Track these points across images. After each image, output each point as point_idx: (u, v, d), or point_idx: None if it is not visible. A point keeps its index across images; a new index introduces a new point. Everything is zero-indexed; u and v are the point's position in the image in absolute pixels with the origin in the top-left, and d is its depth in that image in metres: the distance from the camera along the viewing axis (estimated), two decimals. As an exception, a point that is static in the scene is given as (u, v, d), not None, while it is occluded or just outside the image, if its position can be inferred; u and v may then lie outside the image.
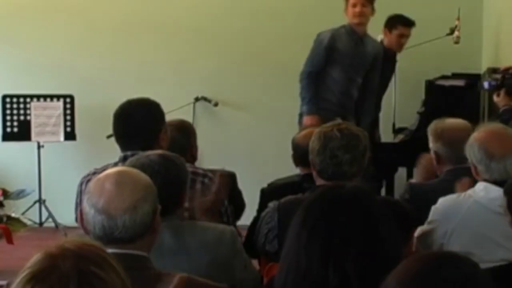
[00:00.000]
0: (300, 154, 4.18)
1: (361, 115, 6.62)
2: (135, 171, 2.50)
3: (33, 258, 1.64)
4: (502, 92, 5.24)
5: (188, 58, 7.30)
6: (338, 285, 2.27)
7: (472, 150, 3.47)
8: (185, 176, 3.06)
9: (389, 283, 1.81)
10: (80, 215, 2.36)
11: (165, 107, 3.97)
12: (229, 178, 4.82)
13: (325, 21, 6.77)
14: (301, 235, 2.37)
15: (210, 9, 7.51)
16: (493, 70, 5.43)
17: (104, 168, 3.28)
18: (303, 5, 7.48)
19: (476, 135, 3.51)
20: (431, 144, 4.10)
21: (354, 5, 6.43)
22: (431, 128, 4.13)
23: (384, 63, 6.65)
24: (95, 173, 2.86)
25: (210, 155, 6.55)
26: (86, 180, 3.64)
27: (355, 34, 6.53)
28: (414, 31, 7.34)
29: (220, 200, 3.88)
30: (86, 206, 2.31)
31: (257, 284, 2.95)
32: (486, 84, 5.30)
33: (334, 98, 6.56)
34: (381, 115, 7.05)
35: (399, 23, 6.71)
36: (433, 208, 3.51)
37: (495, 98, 5.32)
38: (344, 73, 6.53)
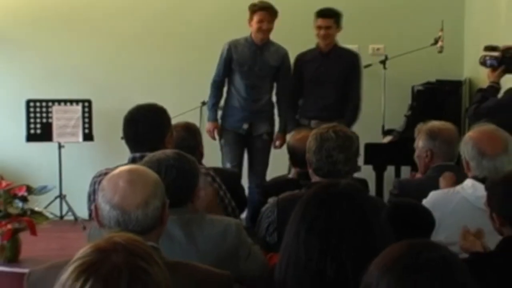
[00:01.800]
0: (296, 156, 4.18)
1: (279, 117, 6.70)
2: (145, 169, 2.49)
3: (82, 251, 1.61)
4: (499, 69, 5.19)
5: (195, 66, 7.30)
6: (335, 275, 2.27)
7: (466, 148, 3.52)
8: (197, 172, 3.06)
9: (371, 271, 1.80)
10: (95, 211, 2.35)
11: (174, 111, 3.97)
12: (232, 176, 4.82)
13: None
14: (300, 230, 2.37)
15: (215, 19, 7.49)
16: (491, 48, 5.38)
17: (115, 169, 3.28)
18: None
19: (471, 134, 3.58)
20: (422, 143, 4.11)
21: (260, 21, 6.41)
22: (424, 129, 4.14)
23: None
24: (106, 173, 2.86)
25: (216, 156, 6.55)
26: (99, 180, 3.63)
27: (254, 45, 6.52)
28: (401, 41, 7.35)
29: (216, 196, 3.87)
30: (102, 203, 2.30)
31: (264, 271, 2.92)
32: (488, 62, 5.23)
33: (238, 103, 6.60)
34: (372, 117, 7.04)
35: (316, 15, 6.56)
36: (424, 201, 3.53)
37: (489, 72, 5.27)
38: (245, 80, 6.55)
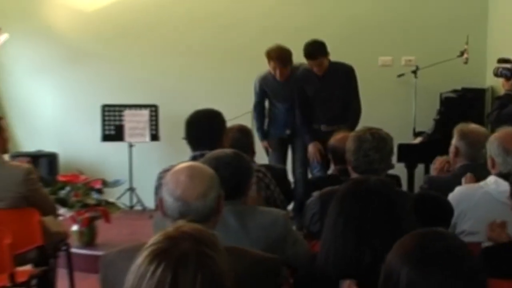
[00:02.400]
0: (337, 154, 4.16)
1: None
2: (201, 165, 2.49)
3: (154, 238, 1.62)
4: None
5: (249, 75, 7.27)
6: (370, 261, 2.25)
7: (492, 146, 3.52)
8: (251, 171, 3.06)
9: (391, 258, 1.77)
10: (159, 202, 2.36)
11: (229, 114, 3.98)
12: (280, 172, 4.80)
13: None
14: (337, 223, 2.37)
15: (267, 35, 7.48)
16: (504, 60, 5.31)
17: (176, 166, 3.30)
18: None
19: (497, 134, 3.60)
20: (453, 140, 4.09)
21: (274, 68, 6.39)
22: (458, 129, 4.12)
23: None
24: (169, 169, 2.86)
25: (261, 152, 6.55)
26: (163, 176, 3.64)
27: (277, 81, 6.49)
28: (431, 53, 7.26)
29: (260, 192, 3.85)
30: (165, 195, 2.31)
31: (308, 257, 2.91)
32: (502, 73, 5.18)
33: (280, 116, 6.67)
34: (404, 120, 6.98)
35: (304, 56, 6.30)
36: (451, 194, 3.51)
37: (503, 82, 5.24)
38: (281, 104, 6.61)
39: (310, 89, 6.37)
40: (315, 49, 6.17)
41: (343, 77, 6.33)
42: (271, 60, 6.37)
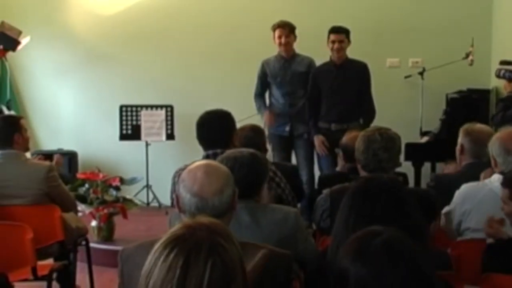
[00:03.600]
0: (348, 152, 4.15)
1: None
2: (217, 163, 2.50)
3: (175, 227, 1.65)
4: None
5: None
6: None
7: (494, 146, 3.51)
8: (266, 172, 3.08)
9: (340, 257, 1.84)
10: (176, 199, 2.36)
11: (240, 115, 3.99)
12: (291, 170, 4.80)
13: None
14: (349, 218, 2.39)
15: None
16: (506, 62, 5.29)
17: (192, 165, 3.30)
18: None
19: (498, 134, 3.58)
20: (459, 139, 4.08)
21: (279, 37, 6.52)
22: (463, 127, 4.12)
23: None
24: (184, 168, 2.87)
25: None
26: (178, 174, 3.64)
27: (282, 58, 6.61)
28: (437, 55, 7.24)
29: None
30: (182, 192, 2.31)
31: (317, 253, 2.92)
32: (505, 74, 5.17)
33: (278, 111, 6.67)
34: (411, 120, 6.96)
35: (329, 32, 6.49)
36: (456, 192, 3.50)
37: (505, 84, 5.23)
38: (280, 90, 6.64)
39: (325, 80, 6.42)
40: (341, 26, 6.43)
41: (360, 71, 6.44)
42: (276, 30, 6.54)
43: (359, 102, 6.41)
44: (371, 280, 1.74)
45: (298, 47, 6.66)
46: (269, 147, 6.53)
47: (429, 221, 3.04)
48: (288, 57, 6.60)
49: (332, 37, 6.40)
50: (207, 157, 3.68)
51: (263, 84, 6.74)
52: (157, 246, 1.60)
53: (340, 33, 6.37)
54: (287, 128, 6.64)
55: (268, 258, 2.16)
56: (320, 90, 6.45)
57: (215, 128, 3.85)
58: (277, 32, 6.53)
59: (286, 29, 6.51)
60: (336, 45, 6.37)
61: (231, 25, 7.84)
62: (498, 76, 5.25)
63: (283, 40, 6.51)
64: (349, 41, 6.43)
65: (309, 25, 7.12)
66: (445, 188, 3.63)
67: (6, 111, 7.36)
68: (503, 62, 5.42)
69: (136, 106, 7.68)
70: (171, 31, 7.94)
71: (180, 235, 1.60)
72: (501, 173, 3.43)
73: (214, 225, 1.65)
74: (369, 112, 6.39)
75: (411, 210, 2.40)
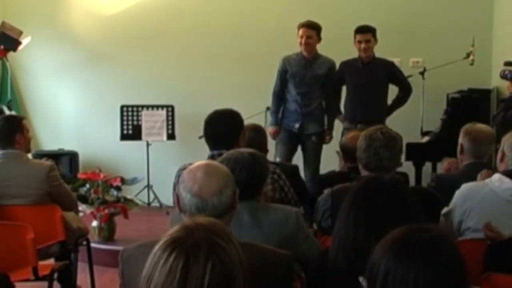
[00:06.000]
0: (348, 152, 4.15)
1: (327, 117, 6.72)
2: (217, 163, 2.49)
3: (172, 229, 1.65)
4: None
5: (260, 76, 7.29)
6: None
7: (507, 141, 3.50)
8: (266, 172, 3.06)
9: (375, 254, 1.79)
10: (177, 199, 2.36)
11: (243, 114, 3.96)
12: (293, 171, 4.78)
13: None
14: (350, 215, 2.40)
15: (277, 37, 7.47)
16: (510, 63, 5.29)
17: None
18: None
19: None
20: (460, 139, 4.08)
21: (302, 36, 6.45)
22: (464, 127, 4.12)
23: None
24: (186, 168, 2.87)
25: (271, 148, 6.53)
26: (179, 174, 3.63)
27: (303, 58, 6.54)
28: (438, 55, 7.24)
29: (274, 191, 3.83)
30: (183, 192, 2.30)
31: (318, 253, 2.91)
32: (508, 75, 5.17)
33: (293, 107, 6.62)
34: (412, 120, 6.96)
35: (355, 32, 6.55)
36: (457, 192, 3.49)
37: (508, 85, 5.23)
38: (297, 89, 6.57)
39: (351, 75, 6.50)
40: (367, 25, 6.46)
41: (386, 70, 6.53)
42: (301, 28, 6.47)
43: (383, 100, 6.52)
44: (411, 277, 1.69)
45: (295, 47, 6.62)
46: (276, 139, 6.60)
47: (432, 221, 3.04)
48: (310, 58, 6.53)
49: (359, 37, 6.44)
50: (212, 157, 3.67)
51: (283, 81, 6.65)
52: (156, 248, 1.60)
53: (366, 33, 6.41)
54: (297, 125, 6.62)
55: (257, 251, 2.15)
56: (343, 84, 6.57)
57: (222, 128, 3.84)
58: (300, 31, 6.47)
59: (310, 29, 6.44)
60: (363, 45, 6.42)
61: (231, 25, 7.84)
62: (502, 77, 5.25)
63: (304, 40, 6.44)
64: (375, 40, 6.48)
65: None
66: (446, 188, 3.62)
67: (7, 111, 7.35)
68: (507, 63, 5.41)
69: (137, 106, 7.68)
70: (171, 31, 7.94)
71: (178, 237, 1.60)
72: (504, 172, 3.42)
73: (212, 225, 1.65)
74: (406, 93, 6.63)
75: (413, 209, 2.41)
